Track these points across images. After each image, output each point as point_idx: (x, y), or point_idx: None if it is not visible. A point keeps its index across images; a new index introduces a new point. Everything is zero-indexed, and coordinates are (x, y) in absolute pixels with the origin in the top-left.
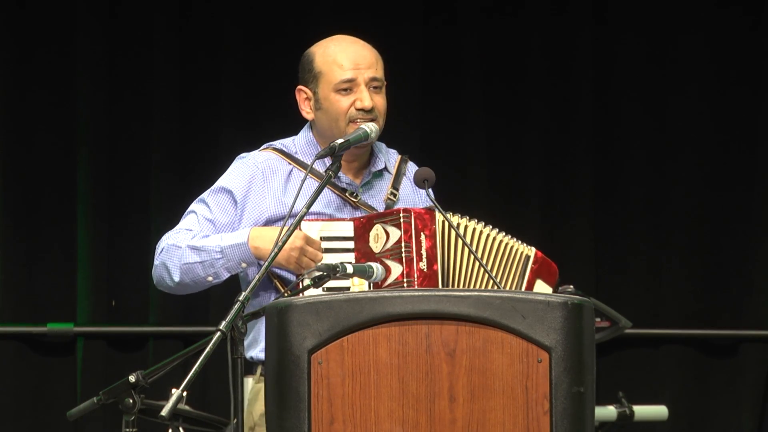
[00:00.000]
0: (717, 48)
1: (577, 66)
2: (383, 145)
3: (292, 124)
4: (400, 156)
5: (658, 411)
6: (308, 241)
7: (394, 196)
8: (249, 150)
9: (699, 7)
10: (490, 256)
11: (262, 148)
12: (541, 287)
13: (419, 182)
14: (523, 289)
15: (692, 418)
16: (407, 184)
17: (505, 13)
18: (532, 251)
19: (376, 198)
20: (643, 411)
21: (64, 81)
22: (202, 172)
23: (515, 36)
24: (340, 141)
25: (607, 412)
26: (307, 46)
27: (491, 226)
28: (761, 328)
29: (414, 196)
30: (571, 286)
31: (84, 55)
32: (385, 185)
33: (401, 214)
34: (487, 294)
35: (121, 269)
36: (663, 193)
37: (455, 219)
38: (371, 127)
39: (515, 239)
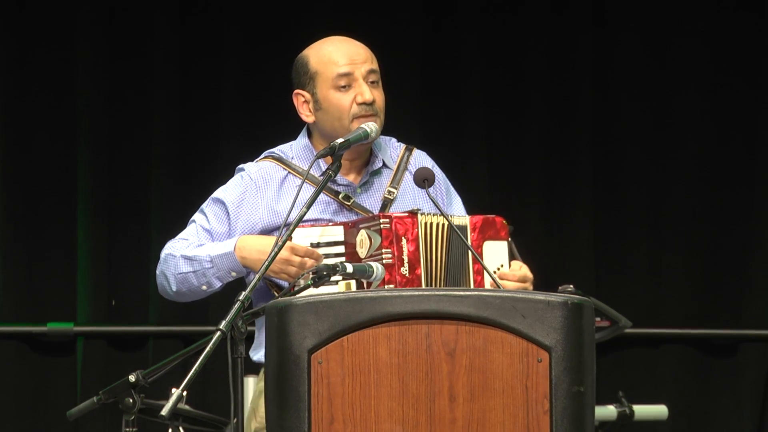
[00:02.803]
0: (717, 47)
1: (576, 65)
2: (384, 140)
3: (292, 124)
4: (404, 146)
5: (658, 411)
6: (294, 250)
7: (391, 194)
8: (250, 152)
9: (699, 6)
10: (442, 245)
11: (260, 157)
12: (493, 248)
13: (419, 182)
14: (470, 261)
15: (692, 418)
16: (410, 179)
17: (505, 11)
18: (465, 220)
19: (375, 197)
20: (643, 411)
21: (64, 81)
22: (202, 172)
23: (515, 33)
24: (340, 141)
25: (607, 411)
26: (307, 46)
27: (439, 214)
28: (761, 328)
29: (416, 189)
30: (571, 286)
31: (84, 55)
32: (384, 183)
33: (380, 220)
34: (487, 293)
35: (121, 269)
36: (663, 193)
37: (434, 219)
38: (371, 127)
39: (452, 215)
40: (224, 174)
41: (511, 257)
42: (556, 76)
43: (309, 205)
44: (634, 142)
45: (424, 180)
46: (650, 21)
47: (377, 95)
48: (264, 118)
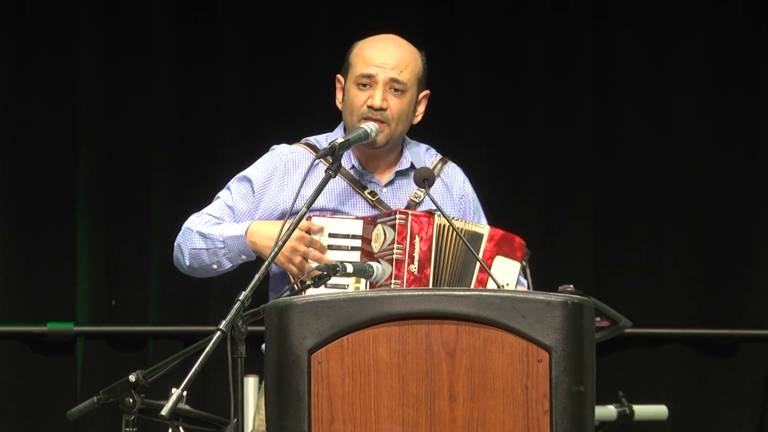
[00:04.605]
0: (717, 47)
1: (577, 64)
2: (420, 146)
3: (292, 125)
4: (440, 157)
5: (658, 410)
6: (303, 239)
7: (418, 197)
8: (250, 152)
9: (699, 5)
10: (454, 248)
11: (297, 142)
12: (504, 264)
13: (419, 182)
14: (476, 269)
15: (692, 417)
16: (439, 187)
17: (505, 8)
18: (485, 230)
19: (400, 198)
20: (643, 410)
21: (64, 82)
22: (202, 173)
23: (515, 32)
24: (340, 141)
25: (607, 411)
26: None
27: (457, 219)
28: (761, 328)
29: (446, 198)
30: (571, 286)
31: (84, 55)
32: (412, 185)
33: (397, 215)
34: (487, 293)
35: (121, 269)
36: (663, 193)
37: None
38: (371, 127)
39: (475, 222)
40: (224, 174)
41: (519, 282)
42: (556, 75)
43: (309, 205)
44: (634, 141)
45: (424, 180)
46: (651, 20)
47: (394, 103)
48: (264, 118)
